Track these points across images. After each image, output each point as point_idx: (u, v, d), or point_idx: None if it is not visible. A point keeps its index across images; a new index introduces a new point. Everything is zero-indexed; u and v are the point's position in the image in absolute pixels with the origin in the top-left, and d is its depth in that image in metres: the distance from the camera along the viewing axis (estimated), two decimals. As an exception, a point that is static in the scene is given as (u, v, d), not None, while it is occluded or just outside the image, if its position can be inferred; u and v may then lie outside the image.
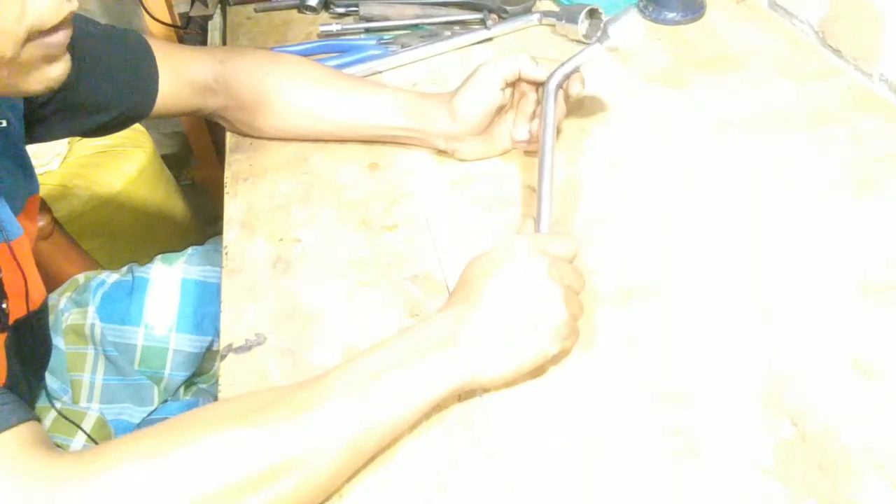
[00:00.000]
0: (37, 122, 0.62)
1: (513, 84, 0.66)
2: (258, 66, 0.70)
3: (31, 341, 0.64)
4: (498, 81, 0.65)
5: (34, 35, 0.43)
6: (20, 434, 0.40)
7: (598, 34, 0.64)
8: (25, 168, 0.62)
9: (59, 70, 0.46)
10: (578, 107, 0.73)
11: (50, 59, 0.45)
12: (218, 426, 0.41)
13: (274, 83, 0.70)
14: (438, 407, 0.47)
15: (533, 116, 0.68)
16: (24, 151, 0.62)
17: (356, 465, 0.44)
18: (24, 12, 0.42)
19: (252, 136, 0.74)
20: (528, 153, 0.69)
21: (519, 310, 0.47)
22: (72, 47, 0.47)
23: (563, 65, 0.64)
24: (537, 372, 0.49)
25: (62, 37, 0.45)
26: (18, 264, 0.58)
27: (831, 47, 0.82)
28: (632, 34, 0.63)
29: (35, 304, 0.62)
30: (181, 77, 0.69)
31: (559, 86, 0.65)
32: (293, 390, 0.44)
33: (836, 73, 0.79)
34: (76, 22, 0.46)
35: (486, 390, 0.49)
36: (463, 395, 0.48)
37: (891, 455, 0.44)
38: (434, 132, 0.68)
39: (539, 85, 0.66)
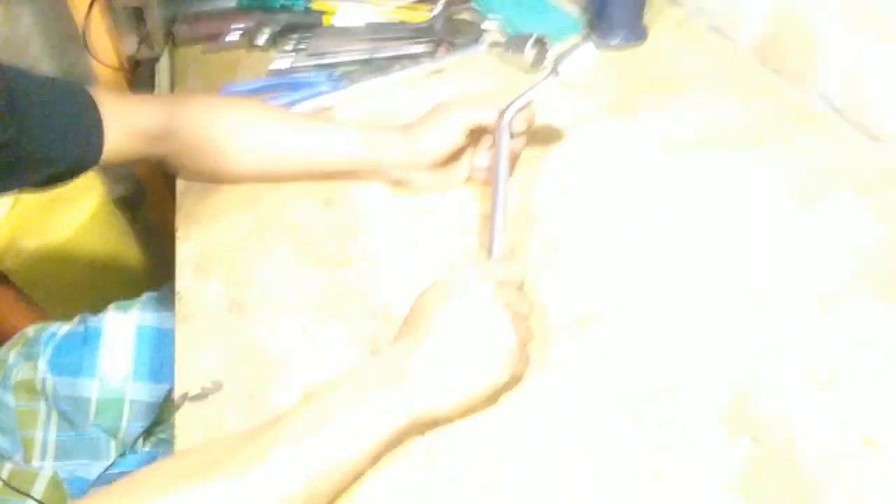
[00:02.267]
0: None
1: (474, 129, 0.67)
2: (206, 111, 0.70)
3: None
4: (464, 129, 0.66)
5: None
6: None
7: (551, 69, 0.66)
8: None
9: None
10: (541, 141, 0.74)
11: None
12: (171, 486, 0.40)
13: (223, 126, 0.69)
14: (400, 442, 0.47)
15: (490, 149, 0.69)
16: None
17: None
18: None
19: (203, 182, 0.73)
20: (486, 183, 0.70)
21: (466, 338, 0.47)
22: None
23: (516, 99, 0.65)
24: (492, 401, 0.49)
25: None
26: None
27: (771, 67, 0.85)
28: (582, 67, 0.65)
29: None
30: (126, 126, 0.68)
31: (512, 119, 0.66)
32: (245, 439, 0.43)
33: (776, 92, 0.81)
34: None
35: (447, 421, 0.48)
36: (425, 430, 0.48)
37: (852, 466, 0.44)
38: (389, 162, 0.68)
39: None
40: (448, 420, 0.48)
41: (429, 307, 0.49)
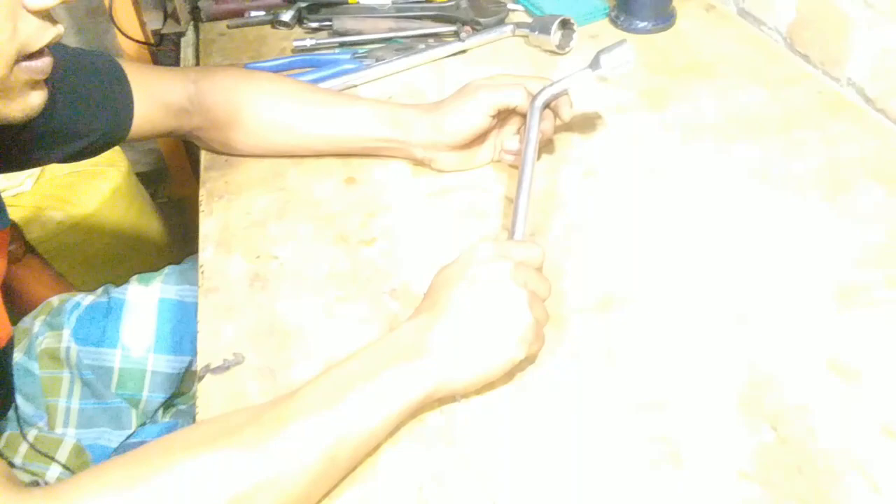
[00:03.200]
0: (11, 152, 0.61)
1: (502, 110, 0.67)
2: (232, 85, 0.70)
3: None
4: (492, 109, 0.66)
5: (21, 57, 0.44)
6: None
7: (591, 61, 0.65)
8: None
9: (39, 98, 0.47)
10: (566, 127, 0.74)
11: (33, 84, 0.46)
12: (190, 451, 0.41)
13: (249, 101, 0.69)
14: (416, 414, 0.47)
15: (518, 133, 0.69)
16: None
17: (333, 478, 0.44)
18: (15, 31, 0.42)
19: (228, 154, 0.74)
20: (512, 166, 0.70)
21: (483, 315, 0.47)
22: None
23: (551, 85, 0.65)
24: (507, 377, 0.49)
25: (45, 63, 0.46)
26: None
27: (800, 53, 0.84)
28: (623, 66, 0.64)
29: (1, 341, 0.60)
30: (155, 99, 0.68)
31: (545, 104, 0.65)
32: (265, 409, 0.44)
33: (805, 78, 0.80)
34: (49, 48, 0.46)
35: (463, 395, 0.49)
36: (443, 401, 0.49)
37: (870, 456, 0.44)
38: (413, 141, 0.68)
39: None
40: (464, 394, 0.48)
41: (447, 283, 0.49)
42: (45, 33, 0.44)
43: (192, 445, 0.41)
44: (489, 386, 0.49)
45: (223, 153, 0.74)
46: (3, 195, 0.63)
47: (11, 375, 0.69)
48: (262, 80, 0.72)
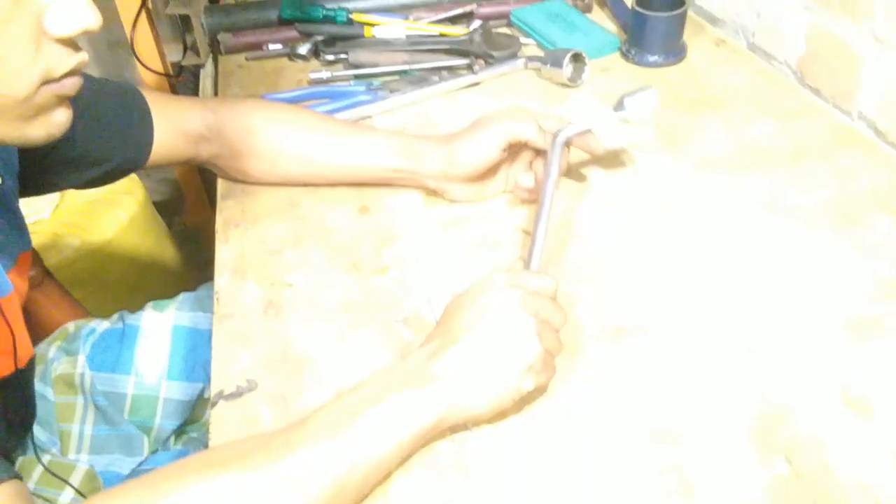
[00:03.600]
0: (33, 176, 0.63)
1: (514, 143, 0.68)
2: (250, 114, 0.71)
3: (16, 401, 0.63)
4: (504, 143, 0.67)
5: (47, 81, 0.44)
6: (2, 493, 0.40)
7: (616, 102, 0.67)
8: (18, 225, 0.63)
9: (64, 117, 0.47)
10: (592, 162, 0.74)
11: (60, 102, 0.46)
12: (203, 473, 0.41)
13: (266, 130, 0.71)
14: (427, 442, 0.47)
15: (530, 167, 0.70)
16: (17, 208, 0.63)
17: None
18: (37, 55, 0.42)
19: (245, 182, 0.75)
20: (526, 202, 0.70)
21: (492, 343, 0.47)
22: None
23: (573, 124, 0.66)
24: (518, 407, 0.49)
25: (73, 82, 0.46)
26: (7, 321, 0.57)
27: (810, 86, 0.84)
28: (646, 110, 0.66)
29: (22, 362, 0.61)
30: (175, 127, 0.70)
31: (567, 142, 0.66)
32: (276, 435, 0.44)
33: (815, 112, 0.81)
34: None
35: (475, 424, 0.49)
36: (455, 429, 0.49)
37: (885, 491, 0.44)
38: (425, 172, 0.69)
39: (538, 150, 0.68)
40: (475, 422, 0.49)
41: (459, 311, 0.50)
42: (69, 59, 0.44)
43: (205, 468, 0.42)
44: (500, 415, 0.49)
45: (240, 181, 0.75)
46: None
47: (33, 396, 0.70)
48: (278, 111, 0.73)
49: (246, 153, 0.71)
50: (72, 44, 0.45)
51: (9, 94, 0.42)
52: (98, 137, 0.64)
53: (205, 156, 0.73)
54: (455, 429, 0.49)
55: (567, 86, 0.88)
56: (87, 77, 0.65)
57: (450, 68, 0.94)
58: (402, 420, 0.45)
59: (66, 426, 0.74)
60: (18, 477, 0.42)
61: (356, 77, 0.94)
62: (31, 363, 0.65)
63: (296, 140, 0.71)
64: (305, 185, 0.74)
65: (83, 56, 0.46)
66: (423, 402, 0.46)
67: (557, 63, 0.88)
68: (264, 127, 0.71)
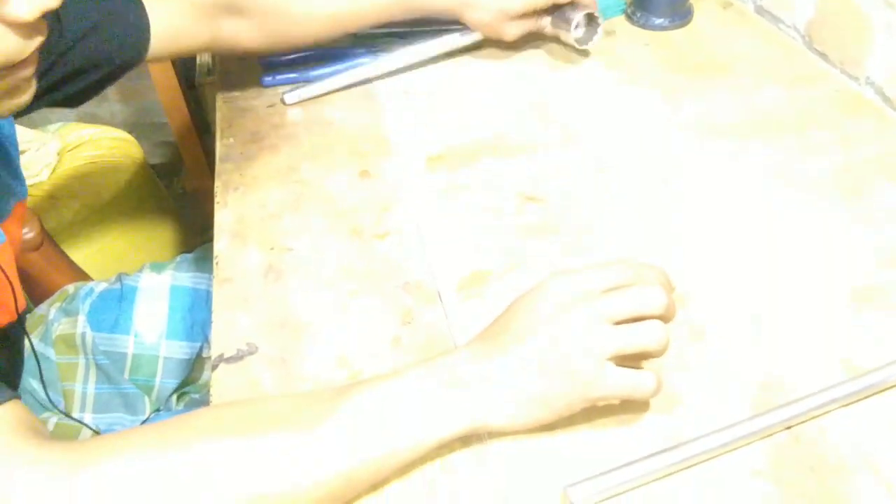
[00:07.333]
0: (46, 96, 0.60)
1: None
2: None
3: (9, 351, 0.63)
4: None
5: (2, 69, 0.42)
6: (2, 415, 0.38)
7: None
8: (13, 172, 0.61)
9: (24, 99, 0.45)
10: (581, 123, 0.74)
11: (17, 91, 0.45)
12: (215, 434, 0.40)
13: None
14: (451, 443, 0.45)
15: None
16: (15, 153, 0.61)
17: (347, 498, 0.42)
18: None
19: (269, 53, 0.75)
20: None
21: (548, 368, 0.42)
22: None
23: None
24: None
25: (29, 72, 0.44)
26: (3, 271, 0.57)
27: (818, 51, 0.83)
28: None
29: (19, 311, 0.61)
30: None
31: None
32: (297, 407, 0.43)
33: (823, 77, 0.80)
34: None
35: (501, 433, 0.45)
36: (481, 439, 0.46)
37: (883, 455, 0.44)
38: (474, 2, 0.75)
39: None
40: (503, 433, 0.45)
41: (520, 315, 0.44)
42: (29, 44, 0.41)
43: (216, 430, 0.40)
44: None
45: (263, 52, 0.74)
46: (20, 184, 0.63)
47: (23, 348, 0.69)
48: None
49: (280, 15, 0.68)
50: (31, 26, 0.41)
51: None
52: (92, 43, 0.60)
53: (226, 34, 0.68)
54: (481, 438, 0.46)
55: (573, 48, 0.86)
56: None
57: (454, 31, 0.92)
58: (439, 419, 0.42)
59: (69, 385, 0.75)
60: (18, 397, 0.41)
61: (356, 37, 0.93)
62: (23, 316, 0.65)
63: None
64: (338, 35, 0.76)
65: (42, 32, 0.42)
66: (463, 408, 0.42)
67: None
68: None
